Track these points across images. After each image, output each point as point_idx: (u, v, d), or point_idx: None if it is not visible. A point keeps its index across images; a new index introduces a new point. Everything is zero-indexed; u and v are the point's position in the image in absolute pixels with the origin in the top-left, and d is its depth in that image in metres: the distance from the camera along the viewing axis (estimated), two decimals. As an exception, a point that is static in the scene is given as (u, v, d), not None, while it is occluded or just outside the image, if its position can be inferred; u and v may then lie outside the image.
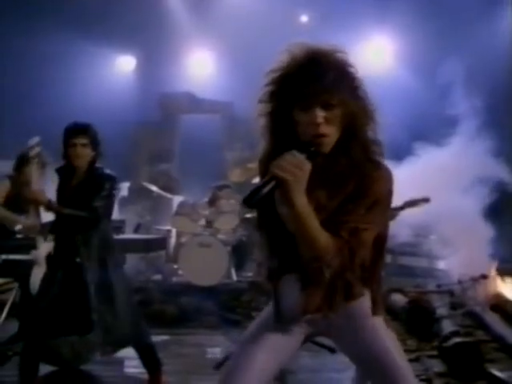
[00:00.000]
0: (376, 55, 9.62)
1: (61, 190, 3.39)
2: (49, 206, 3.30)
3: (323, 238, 1.57)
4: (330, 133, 1.61)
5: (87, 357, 3.88)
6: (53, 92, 8.95)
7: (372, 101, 1.66)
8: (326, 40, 1.69)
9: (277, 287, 1.79)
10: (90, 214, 3.24)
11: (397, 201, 4.50)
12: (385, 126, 1.71)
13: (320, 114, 1.58)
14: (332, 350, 3.91)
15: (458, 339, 3.71)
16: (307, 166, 1.53)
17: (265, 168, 1.64)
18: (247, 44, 8.85)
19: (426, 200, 4.28)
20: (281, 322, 1.78)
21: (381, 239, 1.72)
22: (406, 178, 6.12)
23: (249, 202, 1.50)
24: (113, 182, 3.38)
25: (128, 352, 3.54)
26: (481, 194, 6.11)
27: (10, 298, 4.57)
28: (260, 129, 1.71)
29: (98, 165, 3.37)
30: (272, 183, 1.50)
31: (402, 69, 9.15)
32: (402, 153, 6.63)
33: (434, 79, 7.21)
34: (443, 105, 6.68)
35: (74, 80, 9.26)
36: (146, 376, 3.71)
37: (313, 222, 1.56)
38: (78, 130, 3.29)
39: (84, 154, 3.28)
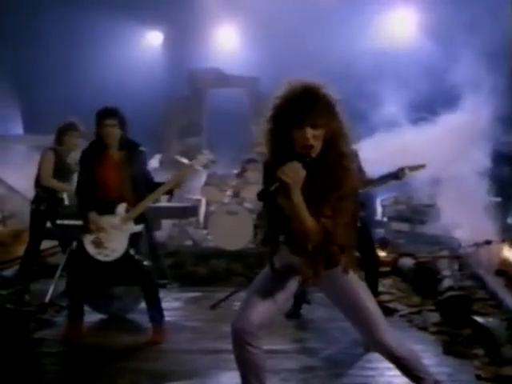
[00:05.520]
0: (401, 26, 9.84)
1: (97, 163, 3.91)
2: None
3: (310, 222, 2.21)
4: (316, 145, 2.26)
5: (132, 307, 4.51)
6: (83, 69, 9.37)
7: (347, 123, 2.30)
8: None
9: (273, 252, 2.43)
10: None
11: (417, 161, 4.83)
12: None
13: (310, 132, 2.23)
14: (308, 302, 4.48)
15: (450, 293, 4.21)
16: (303, 173, 2.17)
17: (266, 171, 2.38)
18: (272, 20, 9.06)
19: (422, 166, 4.52)
20: (276, 276, 2.41)
21: (351, 221, 2.33)
22: (430, 139, 6.46)
23: (261, 196, 2.20)
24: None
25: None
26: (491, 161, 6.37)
27: (63, 259, 5.09)
28: (264, 142, 2.37)
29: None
30: (277, 184, 2.14)
31: (427, 39, 9.16)
32: (424, 117, 6.95)
33: (455, 49, 7.39)
34: (463, 74, 6.88)
35: (104, 56, 9.61)
36: (183, 322, 4.34)
37: (304, 211, 2.19)
38: (108, 113, 3.87)
39: (114, 133, 3.87)
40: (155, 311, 3.99)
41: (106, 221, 3.87)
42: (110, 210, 3.88)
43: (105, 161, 3.91)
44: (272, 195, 2.18)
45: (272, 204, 2.32)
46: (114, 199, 3.88)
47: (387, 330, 2.38)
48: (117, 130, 3.88)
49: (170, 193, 3.98)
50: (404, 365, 2.42)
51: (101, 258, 3.86)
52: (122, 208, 3.88)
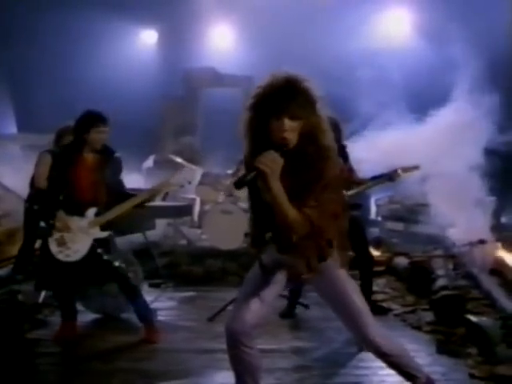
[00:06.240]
0: (395, 26, 9.86)
1: (70, 164, 3.86)
2: None
3: (292, 213, 2.20)
4: (292, 138, 2.25)
5: (127, 306, 4.49)
6: (78, 68, 9.33)
7: (326, 119, 2.30)
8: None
9: (261, 251, 2.44)
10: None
11: (411, 161, 4.84)
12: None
13: (287, 123, 2.22)
14: (306, 306, 4.49)
15: (445, 292, 4.23)
16: (280, 162, 2.17)
17: (247, 161, 2.35)
18: (267, 19, 9.08)
19: (416, 167, 4.54)
20: (265, 274, 2.42)
21: (337, 213, 2.32)
22: (424, 138, 6.48)
23: (237, 185, 2.20)
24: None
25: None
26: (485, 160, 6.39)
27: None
28: (243, 132, 2.35)
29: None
30: (254, 173, 2.15)
31: (421, 39, 9.22)
32: (419, 116, 6.97)
33: (448, 48, 7.42)
34: (457, 73, 6.90)
35: (99, 55, 9.60)
36: (177, 322, 4.34)
37: (285, 202, 2.18)
38: (102, 119, 3.84)
39: (105, 139, 3.88)
40: (141, 310, 3.98)
41: (74, 222, 3.83)
42: (80, 212, 3.84)
43: (79, 162, 3.86)
44: (248, 184, 2.18)
45: (257, 201, 2.33)
46: (84, 201, 3.83)
47: (374, 326, 2.39)
48: (107, 136, 3.88)
49: (141, 205, 3.91)
50: (393, 362, 2.42)
51: (61, 257, 3.82)
52: (91, 212, 3.84)
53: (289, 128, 2.23)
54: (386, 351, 2.38)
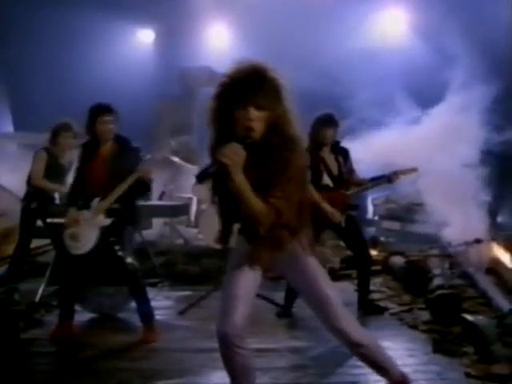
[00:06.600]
0: (392, 25, 9.87)
1: (88, 160, 3.93)
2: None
3: (258, 204, 2.17)
4: (258, 128, 2.20)
5: (124, 306, 4.49)
6: (74, 67, 9.33)
7: (293, 108, 2.25)
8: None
9: (227, 245, 2.42)
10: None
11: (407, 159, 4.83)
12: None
13: (253, 113, 2.17)
14: (278, 305, 4.51)
15: (440, 291, 4.24)
16: (243, 154, 2.13)
17: (212, 152, 2.29)
18: (264, 18, 9.07)
19: (414, 170, 4.60)
20: (239, 267, 2.38)
21: (302, 203, 2.29)
22: (418, 138, 6.50)
23: (199, 178, 2.17)
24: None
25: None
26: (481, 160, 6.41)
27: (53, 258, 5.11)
28: (208, 121, 2.31)
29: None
30: (216, 166, 2.12)
31: (417, 38, 9.23)
32: (414, 115, 6.99)
33: (444, 47, 7.42)
34: (453, 73, 6.92)
35: (95, 54, 9.58)
36: (174, 321, 4.34)
37: (249, 193, 2.15)
38: (105, 109, 3.88)
39: (111, 129, 3.89)
40: (145, 310, 3.98)
41: (82, 215, 3.88)
42: (88, 205, 3.90)
43: (95, 158, 3.92)
44: (211, 177, 2.15)
45: (223, 193, 2.28)
46: (96, 195, 3.88)
47: (344, 315, 2.35)
48: (113, 126, 3.90)
49: (142, 186, 3.93)
50: (365, 354, 2.37)
51: (74, 251, 3.87)
52: (95, 202, 3.88)
53: (255, 118, 2.18)
54: (356, 341, 2.32)
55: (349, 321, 2.35)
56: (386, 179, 4.43)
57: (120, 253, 3.90)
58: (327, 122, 4.36)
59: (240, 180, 2.13)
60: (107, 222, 3.90)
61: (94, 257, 3.88)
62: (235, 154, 2.11)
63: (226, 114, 2.23)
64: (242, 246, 2.39)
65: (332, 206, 4.27)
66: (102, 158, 3.91)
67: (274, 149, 2.21)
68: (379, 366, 2.42)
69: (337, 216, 4.28)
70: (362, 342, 2.34)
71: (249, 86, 2.17)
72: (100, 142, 3.93)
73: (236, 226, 2.40)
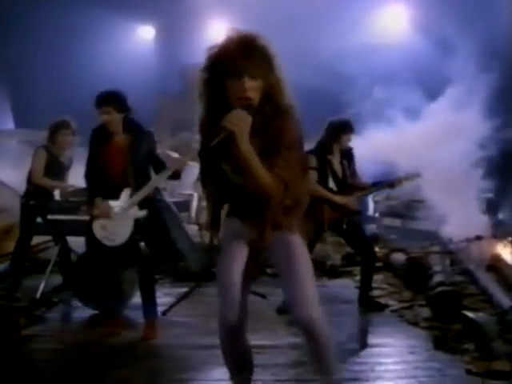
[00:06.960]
0: (392, 21, 9.83)
1: (101, 147, 3.91)
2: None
3: (266, 175, 2.09)
4: (254, 97, 2.13)
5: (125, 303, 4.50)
6: (75, 63, 9.33)
7: (285, 77, 2.19)
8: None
9: (217, 230, 2.34)
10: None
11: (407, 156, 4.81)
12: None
13: (248, 83, 2.11)
14: (263, 296, 4.50)
15: (441, 288, 4.24)
16: (249, 120, 2.05)
17: (204, 129, 2.24)
18: (264, 15, 9.04)
19: (417, 175, 4.63)
20: (230, 246, 2.32)
21: (304, 172, 2.28)
22: (419, 134, 6.49)
23: (202, 152, 2.09)
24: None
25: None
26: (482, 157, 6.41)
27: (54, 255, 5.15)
28: (198, 95, 2.24)
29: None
30: (221, 135, 2.00)
31: (418, 35, 9.19)
32: (415, 111, 6.98)
33: (445, 44, 7.43)
34: (454, 70, 6.92)
35: (96, 51, 9.57)
36: (174, 318, 4.34)
37: (257, 163, 2.07)
38: (102, 101, 3.84)
39: (111, 120, 3.83)
40: (150, 306, 3.98)
41: (112, 206, 3.86)
42: (115, 195, 3.86)
43: (108, 145, 3.89)
44: (214, 149, 2.01)
45: (215, 173, 2.21)
46: (118, 184, 3.86)
47: (314, 300, 2.23)
48: (114, 116, 3.84)
49: (176, 176, 3.94)
50: (317, 344, 2.25)
51: (106, 242, 3.87)
52: (126, 193, 3.86)
53: (250, 87, 2.11)
54: (313, 327, 2.19)
55: (316, 308, 2.21)
56: (388, 184, 4.47)
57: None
58: (346, 128, 4.36)
59: (247, 148, 2.04)
60: (142, 214, 3.89)
61: (126, 249, 3.88)
62: (242, 121, 2.03)
63: (217, 87, 2.17)
64: (230, 225, 2.32)
65: (336, 210, 4.28)
66: (118, 146, 3.86)
67: (267, 117, 2.15)
68: (325, 362, 2.33)
69: (353, 203, 4.29)
70: (319, 332, 2.21)
71: (241, 55, 2.10)
72: (111, 132, 3.90)
73: (223, 212, 2.33)
